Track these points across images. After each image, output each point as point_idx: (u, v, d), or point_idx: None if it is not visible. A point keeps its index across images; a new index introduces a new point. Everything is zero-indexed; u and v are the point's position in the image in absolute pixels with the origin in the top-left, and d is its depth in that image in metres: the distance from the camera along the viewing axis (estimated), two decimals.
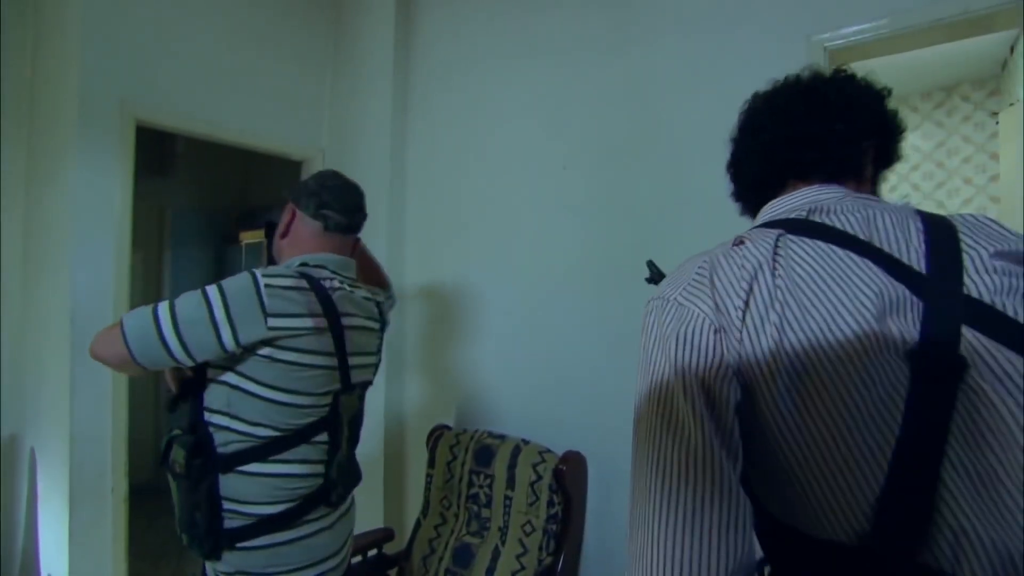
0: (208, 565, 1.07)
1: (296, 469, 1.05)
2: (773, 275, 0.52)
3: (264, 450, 1.02)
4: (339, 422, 1.13)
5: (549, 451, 1.68)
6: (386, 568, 1.82)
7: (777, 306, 0.51)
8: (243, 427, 1.01)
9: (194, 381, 1.06)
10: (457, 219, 2.24)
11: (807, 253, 0.54)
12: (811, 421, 0.48)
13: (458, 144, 2.26)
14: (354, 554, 1.76)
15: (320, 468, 1.10)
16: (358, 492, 1.67)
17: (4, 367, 2.34)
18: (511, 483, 1.68)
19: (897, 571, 0.45)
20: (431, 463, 1.86)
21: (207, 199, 4.27)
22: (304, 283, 1.05)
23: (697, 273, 0.57)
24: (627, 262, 1.84)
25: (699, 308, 0.54)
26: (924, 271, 0.50)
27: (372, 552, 1.80)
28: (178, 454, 0.99)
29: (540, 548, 1.59)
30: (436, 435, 1.88)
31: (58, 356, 1.93)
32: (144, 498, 1.92)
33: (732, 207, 1.67)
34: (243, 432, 1.01)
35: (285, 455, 1.03)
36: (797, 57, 1.55)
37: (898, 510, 0.45)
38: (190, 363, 0.98)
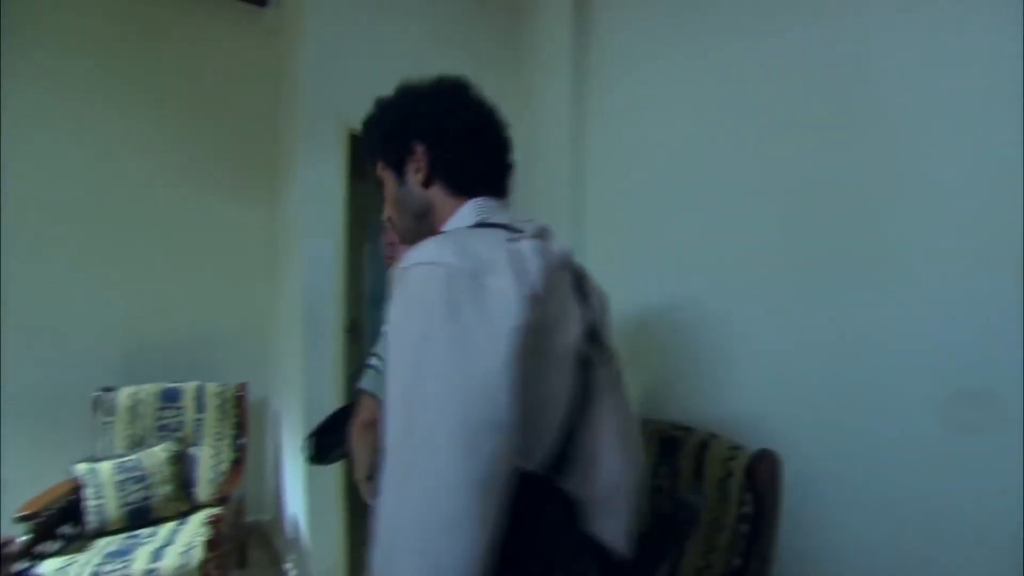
0: None
1: None
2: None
3: None
4: None
5: (740, 447, 1.59)
6: None
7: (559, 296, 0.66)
8: None
9: None
10: (640, 211, 2.19)
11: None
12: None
13: (640, 134, 2.20)
14: None
15: None
16: None
17: (257, 343, 2.85)
18: (698, 478, 1.62)
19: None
20: None
21: None
22: None
23: (502, 257, 0.61)
24: (833, 251, 1.66)
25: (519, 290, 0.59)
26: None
27: None
28: None
29: (729, 548, 1.53)
30: None
31: (295, 336, 2.29)
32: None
33: (956, 189, 1.43)
34: None
35: None
36: None
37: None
38: None
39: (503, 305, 0.57)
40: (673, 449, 1.69)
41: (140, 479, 2.12)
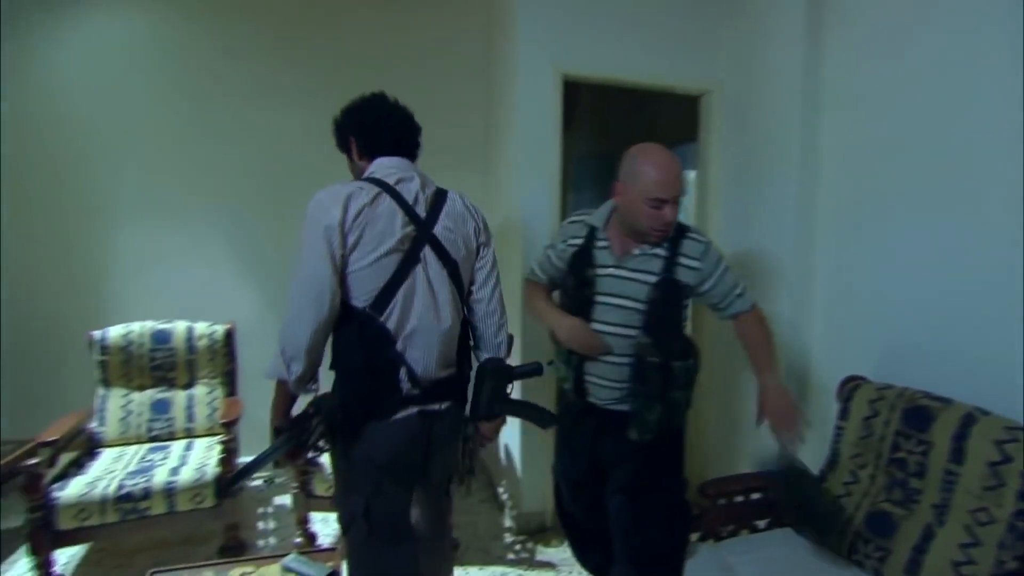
0: None
1: None
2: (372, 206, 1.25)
3: None
4: None
5: (1023, 429, 1.29)
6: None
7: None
8: None
9: None
10: (890, 148, 1.83)
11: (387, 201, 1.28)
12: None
13: (894, 58, 1.82)
14: (750, 492, 1.76)
15: None
16: (744, 432, 1.63)
17: None
18: (957, 457, 1.37)
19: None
20: (843, 415, 1.67)
21: (601, 146, 4.67)
22: None
23: (344, 191, 1.24)
24: None
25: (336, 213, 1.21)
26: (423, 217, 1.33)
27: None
28: None
29: (1001, 546, 1.27)
30: (851, 386, 1.67)
31: (512, 286, 2.42)
32: None
33: None
34: None
35: None
36: None
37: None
38: None
39: (327, 215, 1.20)
40: (923, 420, 1.45)
41: None
